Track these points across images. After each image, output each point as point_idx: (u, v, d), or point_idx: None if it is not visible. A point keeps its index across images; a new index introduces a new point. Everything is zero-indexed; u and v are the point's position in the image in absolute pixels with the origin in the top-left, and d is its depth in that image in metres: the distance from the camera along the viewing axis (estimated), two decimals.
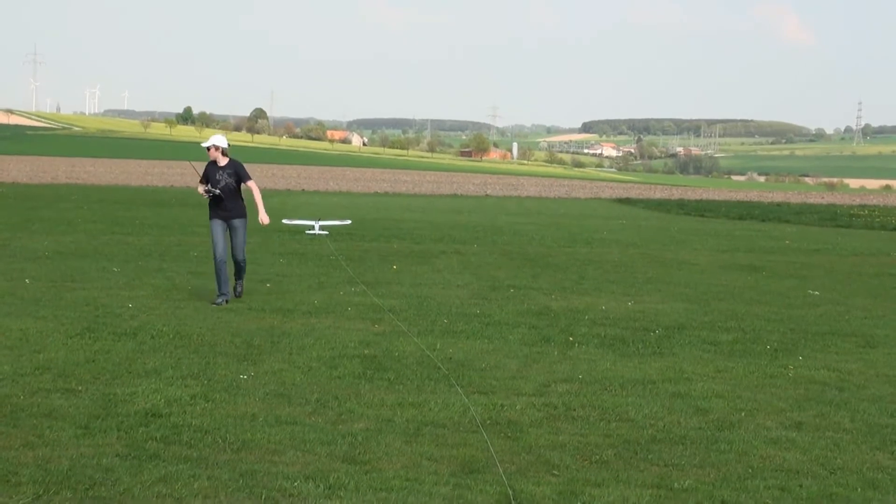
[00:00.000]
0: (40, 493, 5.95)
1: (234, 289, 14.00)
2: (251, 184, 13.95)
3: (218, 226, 13.82)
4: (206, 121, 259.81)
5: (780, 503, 6.30)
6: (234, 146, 14.20)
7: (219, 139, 13.89)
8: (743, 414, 8.51)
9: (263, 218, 14.16)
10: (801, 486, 6.63)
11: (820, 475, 6.89)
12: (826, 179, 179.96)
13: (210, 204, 13.84)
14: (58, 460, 6.56)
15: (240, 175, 13.79)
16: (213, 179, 13.69)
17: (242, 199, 13.97)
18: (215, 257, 13.78)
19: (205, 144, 13.92)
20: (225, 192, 13.66)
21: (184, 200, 42.35)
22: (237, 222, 13.85)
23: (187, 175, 65.14)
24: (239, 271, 14.05)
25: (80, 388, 8.53)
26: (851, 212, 53.74)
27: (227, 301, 13.58)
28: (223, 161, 13.76)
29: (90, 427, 7.38)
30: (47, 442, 6.97)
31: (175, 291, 14.67)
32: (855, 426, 8.24)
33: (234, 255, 13.89)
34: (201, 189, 13.81)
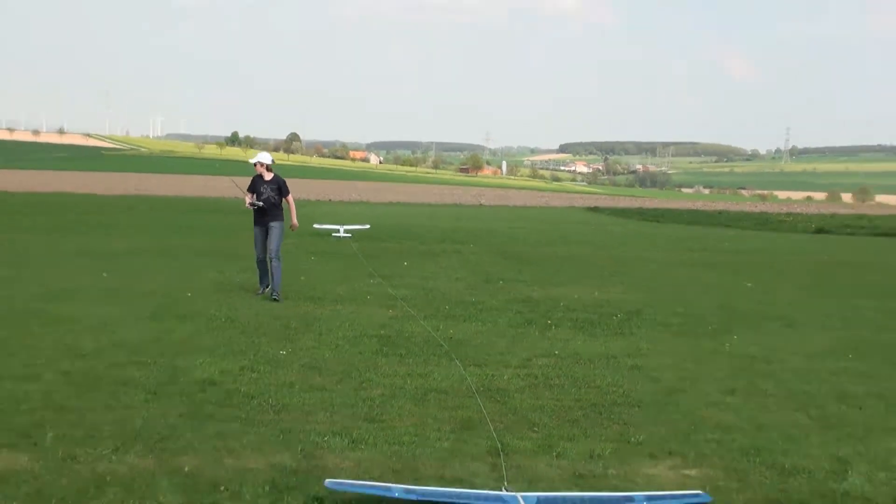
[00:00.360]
0: (118, 445, 6.02)
1: (270, 294, 13.12)
2: (290, 198, 13.62)
3: (259, 232, 13.50)
4: (250, 143, 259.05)
5: (717, 453, 6.38)
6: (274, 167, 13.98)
7: (264, 156, 13.60)
8: (688, 382, 8.57)
9: (294, 223, 13.84)
10: (733, 439, 6.71)
11: (749, 431, 6.97)
12: (759, 192, 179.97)
13: (254, 212, 13.54)
14: (132, 420, 6.64)
15: (282, 190, 13.45)
16: (258, 191, 13.34)
17: (281, 209, 13.57)
18: (256, 257, 13.65)
19: (252, 161, 13.59)
20: (267, 204, 13.31)
21: (232, 209, 42.32)
22: (275, 223, 13.38)
23: (234, 188, 64.99)
24: (274, 272, 13.19)
25: (149, 361, 8.60)
26: (779, 218, 53.53)
27: (266, 290, 13.37)
28: (268, 175, 13.43)
29: (158, 392, 7.46)
30: (123, 405, 7.06)
31: (226, 284, 14.70)
32: (778, 392, 8.31)
33: (269, 251, 13.24)
34: (248, 200, 13.44)
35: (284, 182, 13.57)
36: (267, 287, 13.45)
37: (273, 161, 13.72)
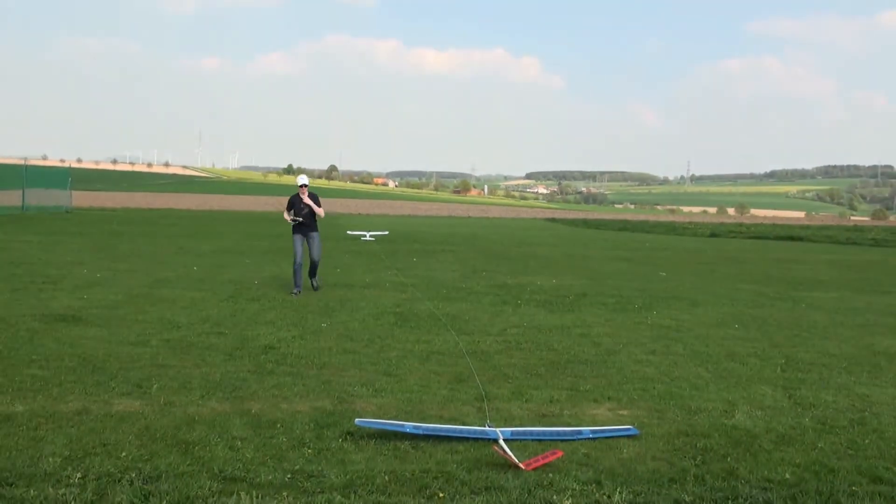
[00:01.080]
0: (204, 394, 5.95)
1: (312, 284, 12.26)
2: (320, 210, 12.39)
3: (298, 239, 12.15)
4: (301, 172, 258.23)
5: (642, 398, 6.30)
6: (317, 188, 13.79)
7: (303, 179, 12.35)
8: (621, 346, 8.50)
9: (313, 207, 12.18)
10: (654, 388, 6.63)
11: (665, 381, 6.89)
12: (669, 207, 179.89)
13: (293, 225, 12.37)
14: (213, 374, 6.56)
15: (315, 201, 12.31)
16: (298, 207, 12.29)
17: (316, 220, 12.44)
18: (294, 262, 12.02)
19: (298, 183, 12.37)
20: (305, 216, 12.23)
21: (282, 220, 42.19)
22: (314, 234, 12.36)
23: (276, 206, 64.79)
24: (313, 269, 12.40)
25: (226, 331, 8.53)
26: (684, 226, 53.31)
27: (300, 293, 11.70)
28: (305, 192, 12.21)
29: (233, 354, 7.37)
30: (208, 363, 6.97)
31: (283, 275, 14.54)
32: (686, 352, 8.24)
33: (311, 257, 12.29)
34: (287, 216, 12.35)
35: (318, 197, 12.48)
36: (299, 290, 11.79)
37: (308, 181, 12.51)
